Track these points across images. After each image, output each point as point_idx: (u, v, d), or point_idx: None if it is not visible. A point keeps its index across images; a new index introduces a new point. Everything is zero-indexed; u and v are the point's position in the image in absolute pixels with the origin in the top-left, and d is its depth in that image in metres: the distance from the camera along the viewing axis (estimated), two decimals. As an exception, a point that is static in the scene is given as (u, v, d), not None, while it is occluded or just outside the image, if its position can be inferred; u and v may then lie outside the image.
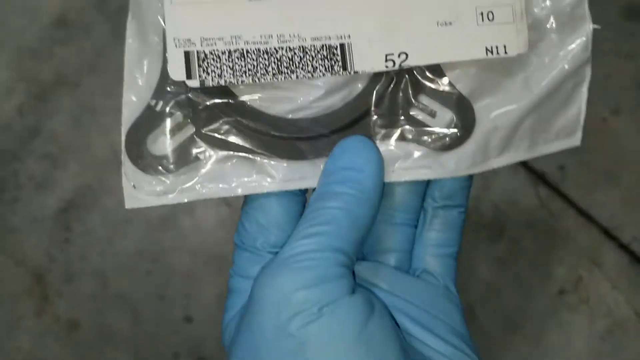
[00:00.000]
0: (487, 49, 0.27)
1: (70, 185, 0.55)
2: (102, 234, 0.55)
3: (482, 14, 0.28)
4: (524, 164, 0.56)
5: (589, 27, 0.29)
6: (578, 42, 0.29)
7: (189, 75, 0.27)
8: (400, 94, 0.28)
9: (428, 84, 0.28)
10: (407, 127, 0.28)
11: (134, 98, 0.28)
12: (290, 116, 0.28)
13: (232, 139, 0.28)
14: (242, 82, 0.27)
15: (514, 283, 0.54)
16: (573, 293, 0.55)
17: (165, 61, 0.27)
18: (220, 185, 0.28)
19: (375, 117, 0.28)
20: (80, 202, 0.55)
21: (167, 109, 0.27)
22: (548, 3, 0.29)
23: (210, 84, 0.27)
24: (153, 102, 0.27)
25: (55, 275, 0.55)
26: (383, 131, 0.28)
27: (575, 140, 0.29)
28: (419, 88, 0.28)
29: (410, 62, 0.27)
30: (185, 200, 0.27)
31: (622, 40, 0.56)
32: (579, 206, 0.55)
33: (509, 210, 0.55)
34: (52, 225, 0.55)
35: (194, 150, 0.28)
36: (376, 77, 0.28)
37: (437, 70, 0.28)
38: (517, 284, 0.55)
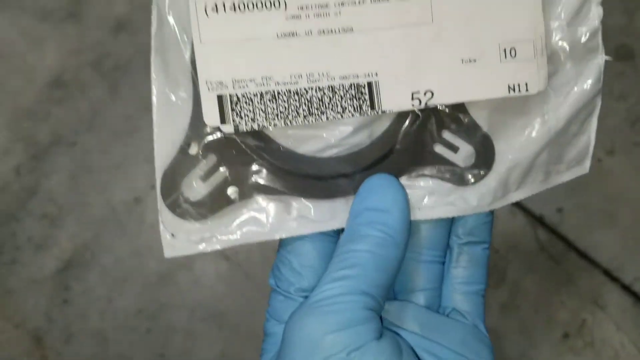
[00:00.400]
0: (509, 87, 0.28)
1: (68, 245, 0.55)
2: (100, 293, 0.55)
3: (505, 50, 0.28)
4: (522, 207, 0.56)
5: (601, 58, 0.29)
6: (591, 74, 0.29)
7: (222, 120, 0.27)
8: (425, 131, 0.29)
9: (451, 120, 0.29)
10: (431, 163, 0.29)
11: (165, 142, 0.27)
12: (319, 155, 0.28)
13: (265, 180, 0.28)
14: (274, 125, 0.27)
15: (518, 329, 0.54)
16: (577, 337, 0.54)
17: (196, 103, 0.27)
18: (255, 229, 0.28)
19: (400, 154, 0.29)
20: (79, 261, 0.55)
21: (201, 152, 0.27)
22: (566, 35, 0.29)
23: (244, 129, 0.27)
24: (186, 146, 0.27)
25: (55, 336, 0.54)
26: (408, 168, 0.29)
27: (584, 168, 0.30)
28: (442, 124, 0.29)
29: (436, 101, 0.28)
30: (222, 247, 0.27)
31: (614, 80, 0.57)
32: (578, 248, 0.55)
33: (509, 255, 0.55)
34: (51, 286, 0.55)
35: (229, 194, 0.27)
36: (402, 114, 0.28)
37: (460, 107, 0.28)
38: (521, 329, 0.54)
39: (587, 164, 0.30)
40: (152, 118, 0.27)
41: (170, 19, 0.27)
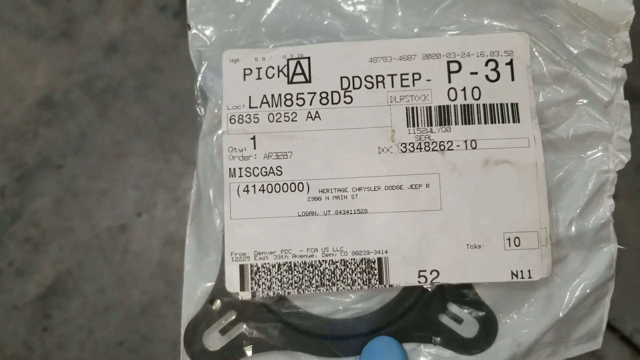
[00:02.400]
0: (512, 273, 0.30)
1: (50, 272, 0.54)
2: (81, 323, 0.54)
3: (509, 239, 0.30)
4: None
5: (614, 247, 0.32)
6: (602, 262, 0.31)
7: (242, 288, 0.30)
8: (432, 302, 0.31)
9: (457, 295, 0.31)
10: (436, 331, 0.30)
11: (192, 297, 0.31)
12: (332, 317, 0.31)
13: (279, 337, 0.31)
14: (288, 293, 0.30)
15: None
16: (574, 388, 0.52)
17: (221, 267, 0.31)
18: None
19: (407, 320, 0.31)
20: (60, 289, 0.54)
21: (222, 308, 0.31)
22: (573, 227, 0.31)
23: (260, 296, 0.30)
24: (209, 302, 0.31)
25: (33, 365, 0.53)
26: (413, 334, 0.31)
27: (597, 344, 0.31)
28: (448, 298, 0.31)
29: (441, 280, 0.30)
30: None
31: (619, 122, 0.55)
32: (577, 296, 0.53)
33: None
34: (31, 313, 0.54)
35: (244, 348, 0.31)
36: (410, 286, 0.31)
37: (466, 285, 0.31)
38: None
39: (600, 340, 0.32)
40: (184, 272, 0.31)
41: (209, 195, 0.31)
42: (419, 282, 0.30)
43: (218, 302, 0.31)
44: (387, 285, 0.30)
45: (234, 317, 0.31)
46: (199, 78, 0.32)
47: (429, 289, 0.30)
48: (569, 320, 0.30)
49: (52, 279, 0.54)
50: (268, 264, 0.30)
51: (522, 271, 0.29)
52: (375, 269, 0.30)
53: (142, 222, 0.55)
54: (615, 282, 0.54)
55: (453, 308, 0.30)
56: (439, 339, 0.30)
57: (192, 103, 0.49)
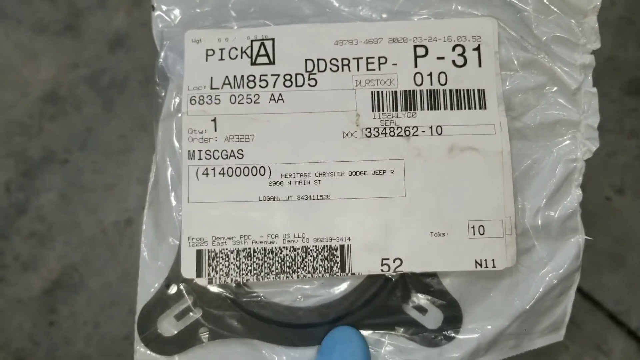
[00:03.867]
0: (476, 262, 0.29)
1: (56, 266, 0.54)
2: (87, 317, 0.54)
3: (473, 228, 0.29)
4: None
5: (581, 238, 0.30)
6: (569, 253, 0.30)
7: (198, 274, 0.29)
8: (395, 292, 0.30)
9: (421, 285, 0.30)
10: (399, 322, 0.30)
11: (148, 281, 0.30)
12: (292, 305, 0.30)
13: (236, 325, 0.30)
14: (246, 280, 0.29)
15: (516, 373, 0.52)
16: (579, 382, 0.52)
17: (179, 252, 0.30)
18: None
19: (370, 309, 0.30)
20: (66, 283, 0.54)
21: (178, 294, 0.30)
22: (539, 216, 0.30)
23: (217, 282, 0.29)
24: (165, 286, 0.30)
25: (39, 359, 0.53)
26: (376, 323, 0.30)
27: (559, 336, 0.32)
28: (412, 287, 0.30)
29: (404, 268, 0.29)
30: None
31: (625, 116, 0.55)
32: (583, 290, 0.53)
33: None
34: (37, 308, 0.54)
35: (199, 334, 0.30)
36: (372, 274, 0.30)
37: (430, 274, 0.30)
38: (520, 374, 0.52)
39: (562, 332, 0.32)
40: (140, 252, 0.30)
41: (167, 178, 0.31)
42: (382, 270, 0.29)
43: (174, 287, 0.30)
44: (349, 274, 0.29)
45: (190, 303, 0.30)
46: (160, 59, 0.32)
47: (392, 278, 0.30)
48: (535, 311, 0.30)
49: (58, 274, 0.55)
50: (226, 249, 0.29)
51: (486, 260, 0.29)
52: (337, 257, 0.29)
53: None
54: (621, 277, 0.54)
55: (417, 298, 0.30)
56: (402, 329, 0.30)
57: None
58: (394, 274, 0.29)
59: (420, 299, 0.30)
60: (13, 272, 0.55)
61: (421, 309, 0.30)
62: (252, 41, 0.30)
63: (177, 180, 0.30)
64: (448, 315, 0.30)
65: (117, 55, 0.57)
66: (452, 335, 0.30)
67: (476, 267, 0.29)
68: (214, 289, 0.30)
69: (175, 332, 0.30)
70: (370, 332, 0.30)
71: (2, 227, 0.56)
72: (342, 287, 0.30)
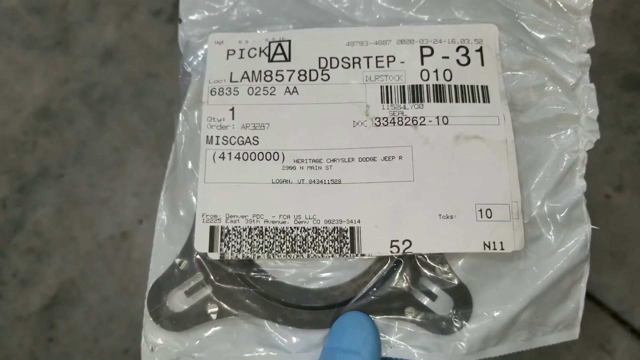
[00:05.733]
0: (484, 244, 0.30)
1: (54, 281, 0.55)
2: (86, 332, 0.54)
3: (480, 211, 0.30)
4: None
5: (587, 227, 0.31)
6: (576, 242, 0.31)
7: (211, 249, 0.30)
8: (404, 276, 0.30)
9: (430, 269, 0.30)
10: (408, 307, 0.30)
11: (160, 257, 0.31)
12: (301, 285, 0.30)
13: (245, 303, 0.30)
14: (257, 257, 0.30)
15: (520, 374, 0.52)
16: (583, 383, 0.52)
17: (192, 231, 0.31)
18: (230, 346, 0.30)
19: (379, 293, 0.30)
20: (64, 298, 0.54)
21: (189, 269, 0.30)
22: (545, 206, 0.31)
23: (229, 258, 0.30)
24: (178, 261, 0.30)
25: (39, 376, 0.53)
26: (385, 307, 0.30)
27: (573, 334, 0.31)
28: (421, 272, 0.30)
29: (413, 250, 0.30)
30: None
31: (622, 112, 0.55)
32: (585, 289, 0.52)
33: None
34: (36, 324, 0.54)
35: (208, 311, 0.30)
36: (382, 257, 0.30)
37: (439, 257, 0.30)
38: (523, 375, 0.52)
39: (577, 330, 0.32)
40: (154, 234, 0.31)
41: (185, 163, 0.32)
42: (391, 252, 0.30)
43: (186, 263, 0.30)
44: (359, 255, 0.30)
45: (201, 279, 0.30)
46: (184, 59, 0.34)
47: (402, 260, 0.30)
48: (545, 301, 0.31)
49: (56, 289, 0.55)
50: (239, 227, 0.30)
51: (494, 242, 0.30)
52: (347, 238, 0.30)
53: (143, 229, 0.55)
54: (623, 276, 0.53)
55: (426, 282, 0.30)
56: (411, 314, 0.30)
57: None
58: (403, 254, 0.30)
59: (430, 284, 0.30)
60: (12, 289, 0.55)
61: (431, 295, 0.30)
62: (270, 42, 0.33)
63: (196, 168, 0.32)
64: (458, 301, 0.30)
65: (108, 69, 0.58)
66: (463, 322, 0.30)
67: (484, 249, 0.30)
68: (224, 267, 0.30)
69: (185, 307, 0.30)
70: (379, 317, 0.30)
71: (0, 243, 0.56)
72: (351, 271, 0.31)
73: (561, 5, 0.32)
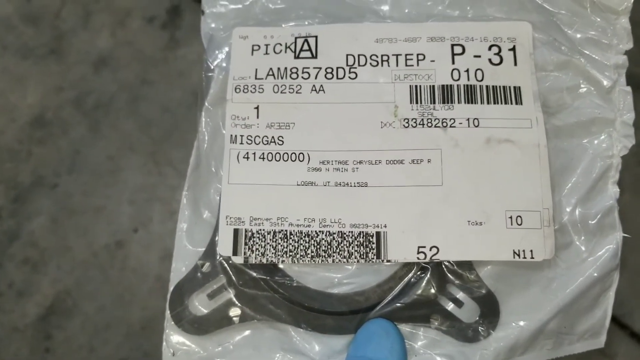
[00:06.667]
0: (514, 252, 0.29)
1: (50, 291, 0.54)
2: (83, 342, 0.53)
3: (511, 217, 0.29)
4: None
5: (619, 235, 0.29)
6: (607, 250, 0.30)
7: (235, 252, 0.30)
8: (430, 282, 0.29)
9: (457, 276, 0.29)
10: (434, 314, 0.29)
11: (182, 259, 0.30)
12: (325, 290, 0.30)
13: (268, 307, 0.30)
14: (282, 261, 0.29)
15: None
16: (584, 388, 0.51)
17: (214, 232, 0.30)
18: (252, 351, 0.29)
19: (404, 300, 0.29)
20: (60, 308, 0.54)
21: (212, 272, 0.30)
22: (577, 212, 0.30)
23: (253, 262, 0.29)
24: (200, 264, 0.30)
25: (36, 387, 0.53)
26: (411, 315, 0.29)
27: (600, 342, 0.30)
28: (448, 279, 0.29)
29: (440, 257, 0.29)
30: None
31: (620, 113, 0.54)
32: (584, 293, 0.52)
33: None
34: (32, 334, 0.54)
35: (230, 315, 0.30)
36: (408, 262, 0.30)
37: (467, 265, 0.29)
38: (523, 380, 0.51)
39: (603, 338, 0.31)
40: (175, 236, 0.30)
41: (208, 162, 0.31)
42: (418, 258, 0.29)
43: (208, 264, 0.29)
44: (385, 261, 0.29)
45: (224, 282, 0.30)
46: (207, 53, 0.33)
47: (429, 267, 0.29)
48: (573, 310, 0.30)
49: (52, 299, 0.54)
50: (263, 230, 0.29)
51: (524, 251, 0.28)
52: (373, 243, 0.29)
53: (138, 237, 0.54)
54: (623, 278, 0.52)
55: (453, 290, 0.29)
56: (437, 321, 0.29)
57: (184, 115, 0.49)
58: (430, 261, 0.29)
59: (457, 291, 0.29)
60: (8, 300, 0.55)
61: (457, 302, 0.29)
62: (296, 38, 0.32)
63: (219, 167, 0.31)
64: (485, 309, 0.29)
65: (102, 76, 0.57)
66: (490, 330, 0.29)
67: (514, 258, 0.28)
68: (247, 271, 0.30)
69: (207, 311, 0.29)
70: (404, 324, 0.29)
71: (-5, 254, 0.56)
72: (376, 276, 0.30)
73: (600, 5, 0.31)
